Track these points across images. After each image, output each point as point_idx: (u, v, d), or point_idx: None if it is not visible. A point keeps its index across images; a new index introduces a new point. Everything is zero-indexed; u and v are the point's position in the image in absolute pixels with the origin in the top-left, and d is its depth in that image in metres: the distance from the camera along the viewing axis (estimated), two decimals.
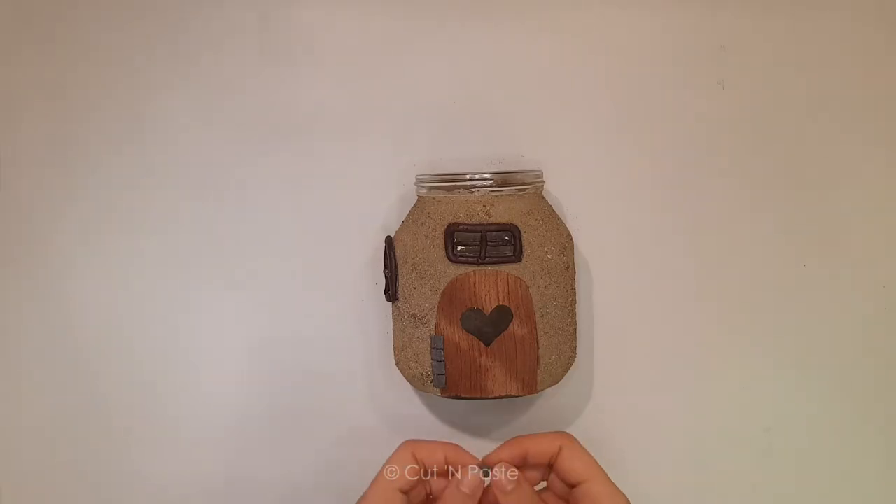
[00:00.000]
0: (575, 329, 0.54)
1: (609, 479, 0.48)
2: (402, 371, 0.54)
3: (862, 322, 0.58)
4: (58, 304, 0.59)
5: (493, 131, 0.57)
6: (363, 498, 0.48)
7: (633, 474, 0.59)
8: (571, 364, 0.54)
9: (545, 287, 0.52)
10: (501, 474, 0.48)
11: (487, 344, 0.52)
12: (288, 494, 0.60)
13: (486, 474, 0.49)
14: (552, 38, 0.57)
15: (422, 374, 0.53)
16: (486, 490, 0.49)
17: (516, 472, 0.48)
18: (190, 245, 0.58)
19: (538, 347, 0.52)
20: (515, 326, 0.52)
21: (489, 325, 0.51)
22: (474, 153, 0.57)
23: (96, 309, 0.59)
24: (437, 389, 0.53)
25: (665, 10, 0.56)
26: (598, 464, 0.49)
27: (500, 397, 0.52)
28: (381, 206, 0.57)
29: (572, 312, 0.54)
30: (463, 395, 0.52)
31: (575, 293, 0.54)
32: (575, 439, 0.50)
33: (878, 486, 0.59)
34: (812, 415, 0.59)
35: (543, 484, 0.52)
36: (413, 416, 0.59)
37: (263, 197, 0.58)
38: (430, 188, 0.53)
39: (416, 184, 0.54)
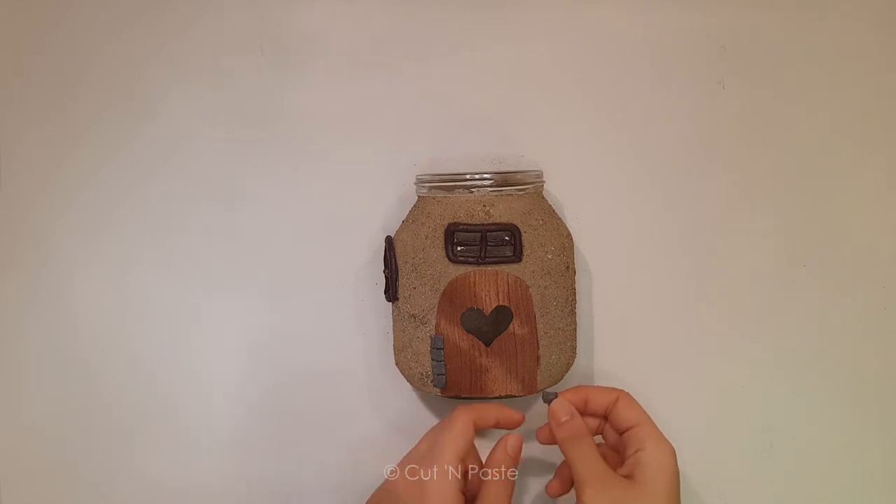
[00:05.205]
0: (575, 329, 0.54)
1: (657, 428, 0.50)
2: (402, 371, 0.54)
3: (862, 322, 0.58)
4: (58, 303, 0.59)
5: (493, 131, 0.57)
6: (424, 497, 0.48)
7: None
8: (571, 364, 0.54)
9: (545, 287, 0.52)
10: (559, 406, 0.51)
11: (487, 344, 0.52)
12: (288, 494, 0.60)
13: (548, 400, 0.52)
14: (552, 38, 0.57)
15: (422, 374, 0.53)
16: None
17: (572, 407, 0.51)
18: (190, 245, 0.58)
19: (538, 347, 0.52)
20: (515, 326, 0.52)
21: (489, 325, 0.51)
22: (474, 153, 0.57)
23: (97, 309, 0.59)
24: (438, 389, 0.53)
25: (665, 9, 0.56)
26: (649, 416, 0.51)
27: (501, 397, 0.52)
28: (381, 206, 0.57)
29: (572, 312, 0.54)
30: (463, 395, 0.52)
31: (575, 293, 0.54)
32: (631, 395, 0.52)
33: (877, 485, 0.59)
34: (812, 415, 0.59)
35: (599, 439, 0.53)
36: (413, 416, 0.59)
37: (264, 197, 0.58)
38: (430, 188, 0.53)
39: (416, 184, 0.54)
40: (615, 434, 0.52)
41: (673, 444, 0.49)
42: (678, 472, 0.48)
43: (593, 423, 0.53)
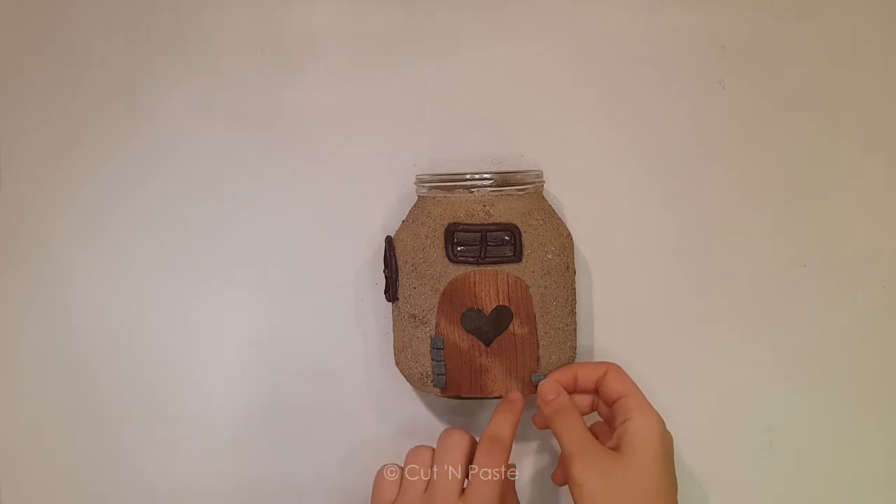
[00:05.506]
0: (575, 329, 0.54)
1: (645, 398, 0.50)
2: (402, 371, 0.54)
3: (862, 322, 0.58)
4: (58, 303, 0.59)
5: (493, 131, 0.57)
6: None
7: None
8: (572, 364, 0.54)
9: (545, 287, 0.52)
10: (546, 386, 0.51)
11: (487, 344, 0.52)
12: (288, 494, 0.60)
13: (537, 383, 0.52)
14: (552, 38, 0.57)
15: (422, 374, 0.53)
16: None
17: (559, 385, 0.52)
18: (190, 245, 0.58)
19: (538, 347, 0.52)
20: (515, 326, 0.52)
21: (489, 325, 0.51)
22: (474, 153, 0.57)
23: (97, 309, 0.59)
24: (437, 389, 0.53)
25: (665, 10, 0.56)
26: (637, 386, 0.51)
27: (501, 397, 0.52)
28: (381, 206, 0.57)
29: (572, 312, 0.54)
30: (463, 395, 0.52)
31: (575, 293, 0.54)
32: (621, 367, 0.52)
33: (877, 485, 0.59)
34: (812, 415, 0.59)
35: (597, 417, 0.53)
36: (413, 416, 0.59)
37: (264, 197, 0.58)
38: (430, 188, 0.53)
39: (416, 184, 0.54)
40: (606, 408, 0.52)
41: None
42: (668, 440, 0.48)
43: (586, 399, 0.53)
